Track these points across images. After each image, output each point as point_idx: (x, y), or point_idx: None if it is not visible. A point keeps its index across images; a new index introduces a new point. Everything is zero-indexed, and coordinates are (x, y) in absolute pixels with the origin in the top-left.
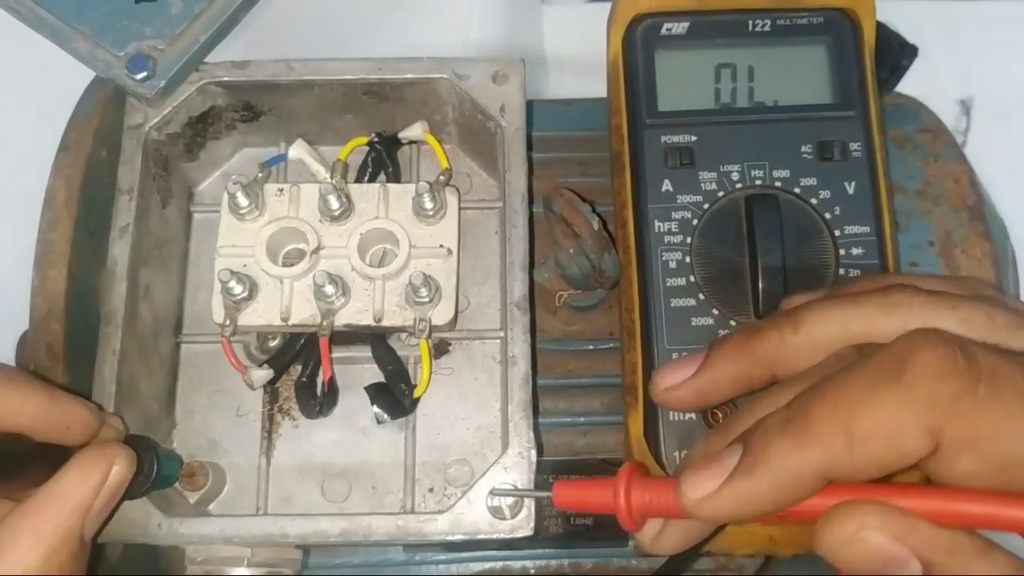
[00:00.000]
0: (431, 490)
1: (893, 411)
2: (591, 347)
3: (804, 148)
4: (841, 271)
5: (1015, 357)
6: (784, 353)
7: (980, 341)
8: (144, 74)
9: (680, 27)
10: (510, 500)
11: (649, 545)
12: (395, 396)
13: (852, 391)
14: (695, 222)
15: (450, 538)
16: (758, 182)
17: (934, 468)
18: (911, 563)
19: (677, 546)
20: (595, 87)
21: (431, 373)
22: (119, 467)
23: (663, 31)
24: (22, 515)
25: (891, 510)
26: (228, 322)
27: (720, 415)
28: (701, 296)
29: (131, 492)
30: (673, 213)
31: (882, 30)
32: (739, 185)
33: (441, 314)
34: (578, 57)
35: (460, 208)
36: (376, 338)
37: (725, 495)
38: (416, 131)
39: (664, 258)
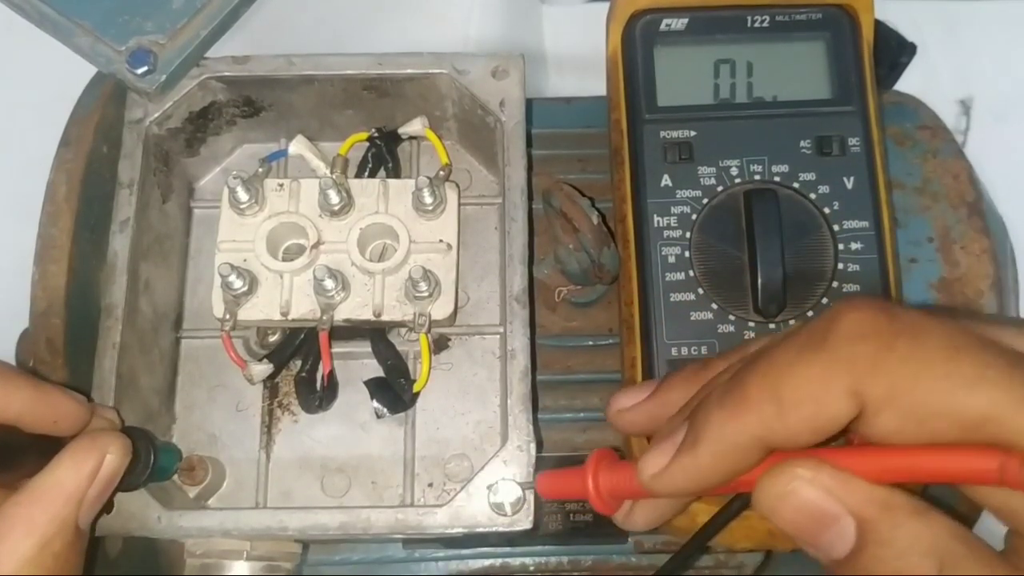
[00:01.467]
0: (430, 485)
1: (817, 374)
2: (591, 343)
3: (803, 143)
4: (840, 266)
5: (942, 314)
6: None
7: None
8: (145, 69)
9: (679, 23)
10: (511, 497)
11: (621, 522)
12: (395, 391)
13: (782, 359)
14: (694, 217)
15: (449, 532)
16: (757, 177)
17: (863, 430)
18: (844, 519)
19: (647, 523)
20: (595, 86)
21: (430, 368)
22: (112, 456)
23: (662, 27)
24: (15, 505)
25: (823, 465)
26: (228, 317)
27: None
28: (700, 291)
29: (128, 483)
30: (672, 208)
31: (881, 28)
32: (738, 180)
33: (441, 309)
34: (578, 56)
35: (460, 204)
36: (376, 333)
37: (674, 469)
38: (416, 126)
39: (663, 253)
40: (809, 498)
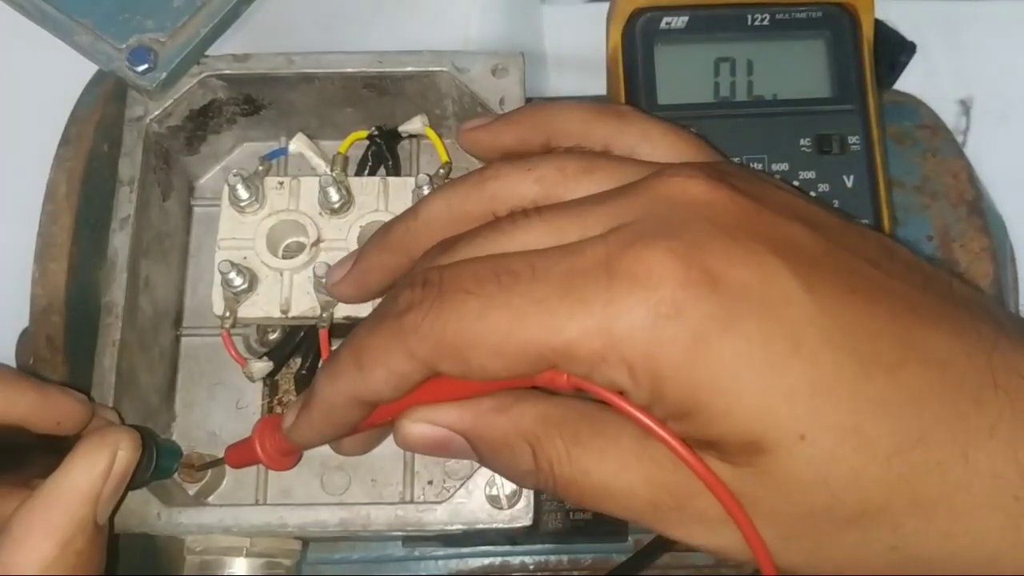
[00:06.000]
0: (430, 483)
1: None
2: None
3: (803, 142)
4: None
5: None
6: (411, 240)
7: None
8: (145, 66)
9: (679, 21)
10: (507, 490)
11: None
12: None
13: (358, 334)
14: None
15: (449, 528)
16: None
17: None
18: (453, 437)
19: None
20: (595, 85)
21: None
22: (124, 451)
23: (662, 25)
24: (31, 510)
25: (416, 408)
26: (228, 314)
27: None
28: None
29: (133, 482)
30: None
31: (880, 27)
32: None
33: None
34: (578, 56)
35: None
36: None
37: (300, 423)
38: (416, 125)
39: None
40: (420, 433)
